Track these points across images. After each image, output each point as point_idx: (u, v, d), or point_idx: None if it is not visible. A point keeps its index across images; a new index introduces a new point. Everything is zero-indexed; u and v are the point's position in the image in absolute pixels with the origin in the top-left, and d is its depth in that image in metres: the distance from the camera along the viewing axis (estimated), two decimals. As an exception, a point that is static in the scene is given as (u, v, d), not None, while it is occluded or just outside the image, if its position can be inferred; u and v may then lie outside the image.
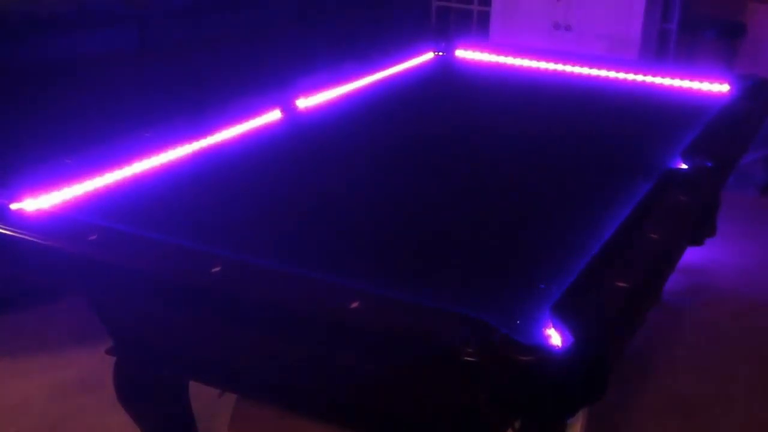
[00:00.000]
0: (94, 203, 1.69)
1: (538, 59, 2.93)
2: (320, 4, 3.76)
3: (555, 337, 1.20)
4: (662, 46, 4.84)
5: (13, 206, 1.60)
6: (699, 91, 2.64)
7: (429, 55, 2.98)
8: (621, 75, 2.78)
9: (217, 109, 2.17)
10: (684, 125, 2.24)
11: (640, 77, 2.74)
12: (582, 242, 1.54)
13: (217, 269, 1.36)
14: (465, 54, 3.04)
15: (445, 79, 2.89)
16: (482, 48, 3.16)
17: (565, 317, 1.23)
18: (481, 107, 2.52)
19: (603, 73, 2.80)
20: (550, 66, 2.88)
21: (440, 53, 3.01)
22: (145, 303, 1.48)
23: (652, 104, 2.58)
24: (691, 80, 2.69)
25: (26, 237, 1.50)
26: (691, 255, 1.78)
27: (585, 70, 2.83)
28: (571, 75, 2.82)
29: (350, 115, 2.39)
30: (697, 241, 1.80)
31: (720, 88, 2.61)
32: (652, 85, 2.71)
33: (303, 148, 2.13)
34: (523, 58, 2.95)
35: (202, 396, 1.89)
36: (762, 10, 4.87)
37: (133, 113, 2.79)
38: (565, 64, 2.87)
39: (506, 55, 2.99)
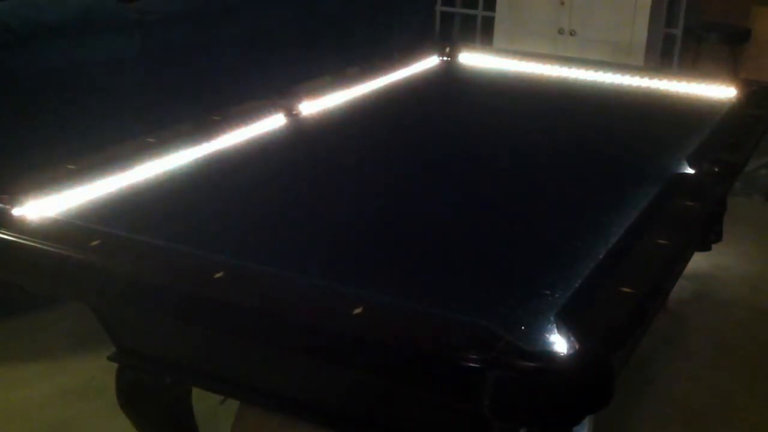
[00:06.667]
0: (97, 209, 1.69)
1: (543, 64, 2.92)
2: (323, 8, 3.76)
3: (560, 344, 1.19)
4: (667, 52, 4.83)
5: (16, 211, 1.59)
6: (704, 96, 2.63)
7: (433, 60, 2.98)
8: (626, 80, 2.77)
9: (219, 113, 2.17)
10: (690, 130, 2.23)
11: (645, 82, 2.73)
12: (588, 248, 1.53)
13: (219, 275, 1.35)
14: (469, 59, 3.03)
15: (450, 84, 2.89)
16: (486, 53, 3.15)
17: (570, 324, 1.22)
18: (485, 112, 2.51)
19: (608, 77, 2.79)
20: (555, 70, 2.87)
21: (444, 58, 3.00)
22: (147, 309, 1.47)
23: (658, 109, 2.57)
24: (696, 85, 2.68)
25: (28, 242, 1.49)
26: (696, 261, 1.77)
27: (590, 75, 2.82)
28: (576, 80, 2.82)
29: (354, 120, 2.38)
30: (705, 247, 1.78)
31: (726, 93, 2.60)
32: (657, 90, 2.70)
33: (307, 152, 2.12)
34: (527, 62, 2.94)
35: (204, 402, 1.88)
36: (767, 14, 4.87)
37: (136, 118, 2.79)
38: (569, 68, 2.86)
39: (510, 59, 2.99)
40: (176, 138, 1.99)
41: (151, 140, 1.96)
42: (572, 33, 4.57)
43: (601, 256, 1.49)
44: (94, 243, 1.47)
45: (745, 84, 2.64)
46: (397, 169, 2.02)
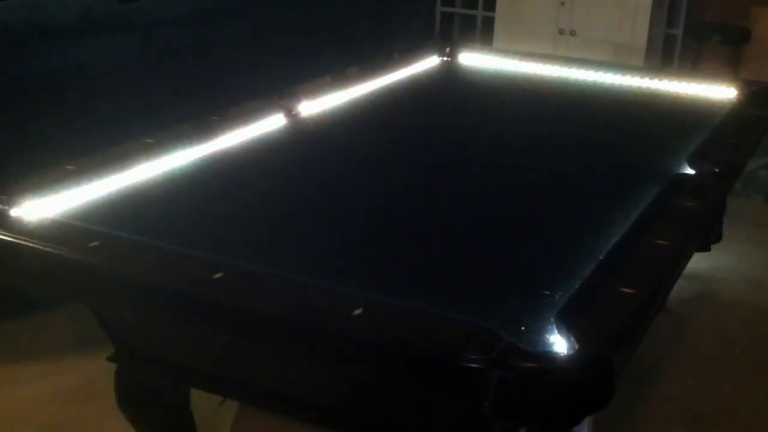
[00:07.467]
0: (96, 209, 1.68)
1: (543, 64, 2.92)
2: (323, 8, 3.76)
3: (560, 345, 1.19)
4: (667, 52, 4.83)
5: (14, 212, 1.59)
6: (705, 96, 2.63)
7: (433, 60, 2.97)
8: (626, 80, 2.77)
9: (219, 114, 2.16)
10: (690, 131, 2.23)
11: (645, 82, 2.73)
12: (588, 248, 1.53)
13: (218, 276, 1.35)
14: (469, 59, 3.03)
15: (450, 84, 2.88)
16: (486, 53, 3.15)
17: (570, 324, 1.22)
18: (485, 112, 2.51)
19: (608, 78, 2.79)
20: (555, 71, 2.87)
21: (444, 58, 3.00)
22: (146, 310, 1.46)
23: (659, 110, 2.57)
24: (697, 85, 2.68)
25: (27, 243, 1.49)
26: (696, 261, 1.77)
27: (590, 76, 2.81)
28: (576, 80, 2.81)
29: (354, 120, 2.38)
30: (704, 247, 1.78)
31: (726, 93, 2.59)
32: (658, 90, 2.70)
33: (307, 153, 2.12)
34: (527, 62, 2.94)
35: (203, 403, 1.87)
36: (767, 14, 4.86)
37: (136, 119, 2.79)
38: (569, 69, 2.86)
39: (510, 59, 2.98)
40: (175, 139, 1.99)
41: (150, 141, 1.96)
42: (572, 33, 4.56)
43: (601, 257, 1.48)
44: (93, 244, 1.47)
45: (745, 84, 2.64)
46: (397, 170, 2.02)
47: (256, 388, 1.62)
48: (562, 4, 4.55)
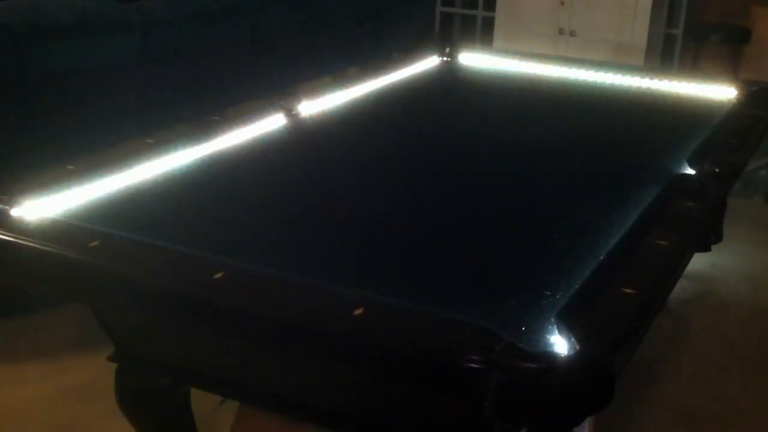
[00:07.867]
0: (96, 209, 1.68)
1: (543, 64, 2.92)
2: (323, 8, 3.76)
3: (561, 345, 1.19)
4: (667, 52, 4.83)
5: (15, 211, 1.59)
6: (705, 96, 2.63)
7: (433, 60, 2.97)
8: (626, 80, 2.77)
9: (218, 113, 2.16)
10: (690, 131, 2.23)
11: (645, 82, 2.73)
12: (588, 249, 1.53)
13: (218, 276, 1.35)
14: (469, 59, 3.03)
15: (449, 84, 2.88)
16: (486, 53, 3.15)
17: (570, 324, 1.22)
18: (486, 112, 2.51)
19: (608, 78, 2.79)
20: (555, 71, 2.87)
21: (444, 58, 3.00)
22: (147, 310, 1.46)
23: (659, 110, 2.57)
24: (697, 85, 2.68)
25: (27, 243, 1.49)
26: (697, 261, 1.77)
27: (590, 76, 2.81)
28: (576, 80, 2.81)
29: (354, 120, 2.38)
30: (705, 247, 1.78)
31: (726, 93, 2.59)
32: (658, 90, 2.70)
33: (307, 153, 2.12)
34: (527, 63, 2.94)
35: (203, 403, 1.87)
36: (767, 14, 4.87)
37: (136, 120, 2.79)
38: (569, 68, 2.86)
39: (510, 59, 2.98)
40: (175, 139, 1.99)
41: (150, 141, 1.96)
42: (572, 33, 4.57)
43: (602, 257, 1.48)
44: (93, 243, 1.47)
45: (745, 84, 2.64)
46: (396, 170, 2.02)
47: (256, 388, 1.62)
48: (562, 4, 4.56)
